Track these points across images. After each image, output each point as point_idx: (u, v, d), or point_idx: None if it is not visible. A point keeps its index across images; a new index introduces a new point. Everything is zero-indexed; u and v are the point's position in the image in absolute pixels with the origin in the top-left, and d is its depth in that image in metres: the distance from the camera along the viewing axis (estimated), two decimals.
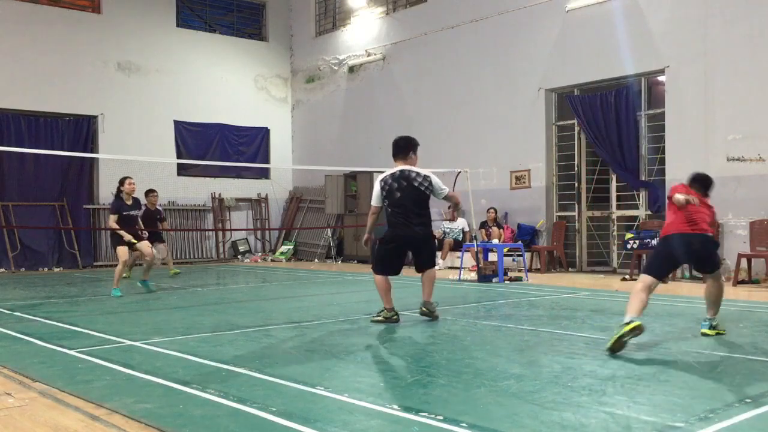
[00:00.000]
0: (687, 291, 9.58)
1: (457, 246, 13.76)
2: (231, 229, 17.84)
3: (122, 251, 9.59)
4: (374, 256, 7.07)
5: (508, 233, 13.35)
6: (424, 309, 6.90)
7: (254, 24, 19.28)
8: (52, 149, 14.55)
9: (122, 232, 9.54)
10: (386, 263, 6.84)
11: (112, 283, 9.61)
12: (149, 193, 12.61)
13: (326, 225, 17.54)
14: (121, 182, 9.95)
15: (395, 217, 6.76)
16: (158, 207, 12.75)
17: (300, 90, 19.18)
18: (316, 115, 18.65)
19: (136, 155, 14.75)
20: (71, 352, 5.32)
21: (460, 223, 14.03)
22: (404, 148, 6.92)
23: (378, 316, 6.82)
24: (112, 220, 9.66)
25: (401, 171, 6.78)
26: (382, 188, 6.78)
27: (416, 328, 6.44)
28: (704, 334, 5.74)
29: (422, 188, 6.75)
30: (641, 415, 3.49)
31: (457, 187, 12.33)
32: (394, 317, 6.74)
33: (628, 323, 5.00)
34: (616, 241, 12.63)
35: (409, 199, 6.72)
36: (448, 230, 14.23)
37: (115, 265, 14.43)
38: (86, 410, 3.71)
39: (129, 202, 9.78)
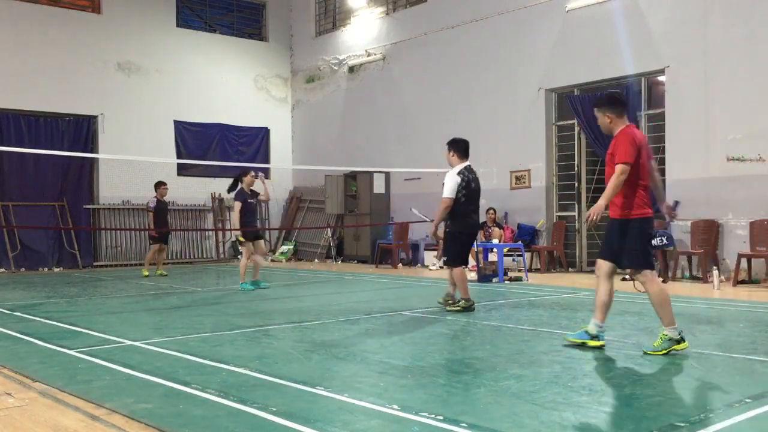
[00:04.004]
0: (687, 291, 9.58)
1: None
2: (231, 229, 17.82)
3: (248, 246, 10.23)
4: (449, 251, 7.59)
5: (508, 233, 13.35)
6: (452, 301, 7.50)
7: (254, 24, 19.28)
8: (52, 149, 14.54)
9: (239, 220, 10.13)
10: (465, 254, 7.68)
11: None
12: (162, 184, 12.98)
13: (326, 225, 17.54)
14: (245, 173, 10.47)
15: (468, 206, 7.45)
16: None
17: (300, 90, 19.18)
18: (316, 115, 18.65)
19: (136, 155, 14.77)
20: (71, 352, 5.32)
21: None
22: (468, 147, 7.73)
23: (455, 305, 7.45)
24: (237, 208, 10.16)
25: (469, 166, 7.63)
26: (463, 179, 7.42)
27: (416, 329, 6.44)
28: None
29: (479, 182, 7.74)
30: (641, 415, 3.49)
31: None
32: (473, 306, 7.43)
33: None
34: None
35: (478, 191, 7.64)
36: None
37: (115, 266, 14.61)
38: (86, 410, 3.72)
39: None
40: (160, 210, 12.97)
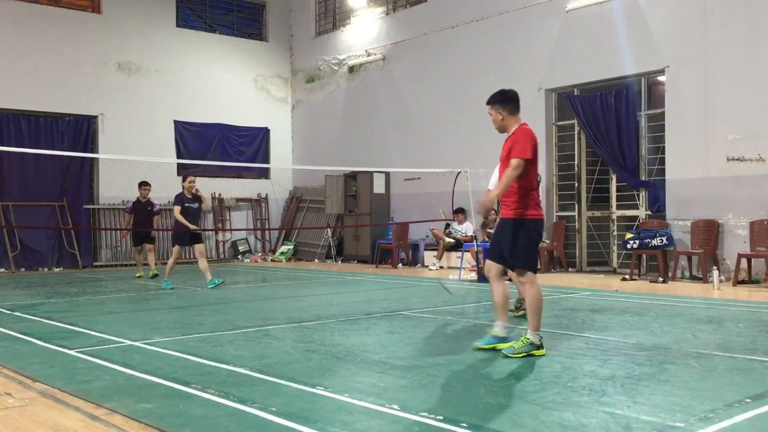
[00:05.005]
0: (687, 291, 9.58)
1: (457, 246, 13.77)
2: (231, 229, 17.84)
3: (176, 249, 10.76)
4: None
5: None
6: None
7: (254, 24, 19.28)
8: (52, 149, 14.54)
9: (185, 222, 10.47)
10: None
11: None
12: (142, 185, 13.03)
13: (326, 225, 17.54)
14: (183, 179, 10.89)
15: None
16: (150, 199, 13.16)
17: (300, 90, 19.18)
18: (316, 115, 18.65)
19: (136, 155, 14.77)
20: (71, 352, 5.32)
21: (467, 227, 14.09)
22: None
23: (521, 310, 6.96)
24: (176, 211, 10.57)
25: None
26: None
27: (416, 329, 6.45)
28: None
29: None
30: (641, 415, 3.49)
31: (457, 187, 12.35)
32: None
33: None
34: (616, 241, 12.63)
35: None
36: (454, 231, 14.28)
37: (115, 266, 14.57)
38: (86, 410, 3.72)
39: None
40: (138, 211, 13.02)
